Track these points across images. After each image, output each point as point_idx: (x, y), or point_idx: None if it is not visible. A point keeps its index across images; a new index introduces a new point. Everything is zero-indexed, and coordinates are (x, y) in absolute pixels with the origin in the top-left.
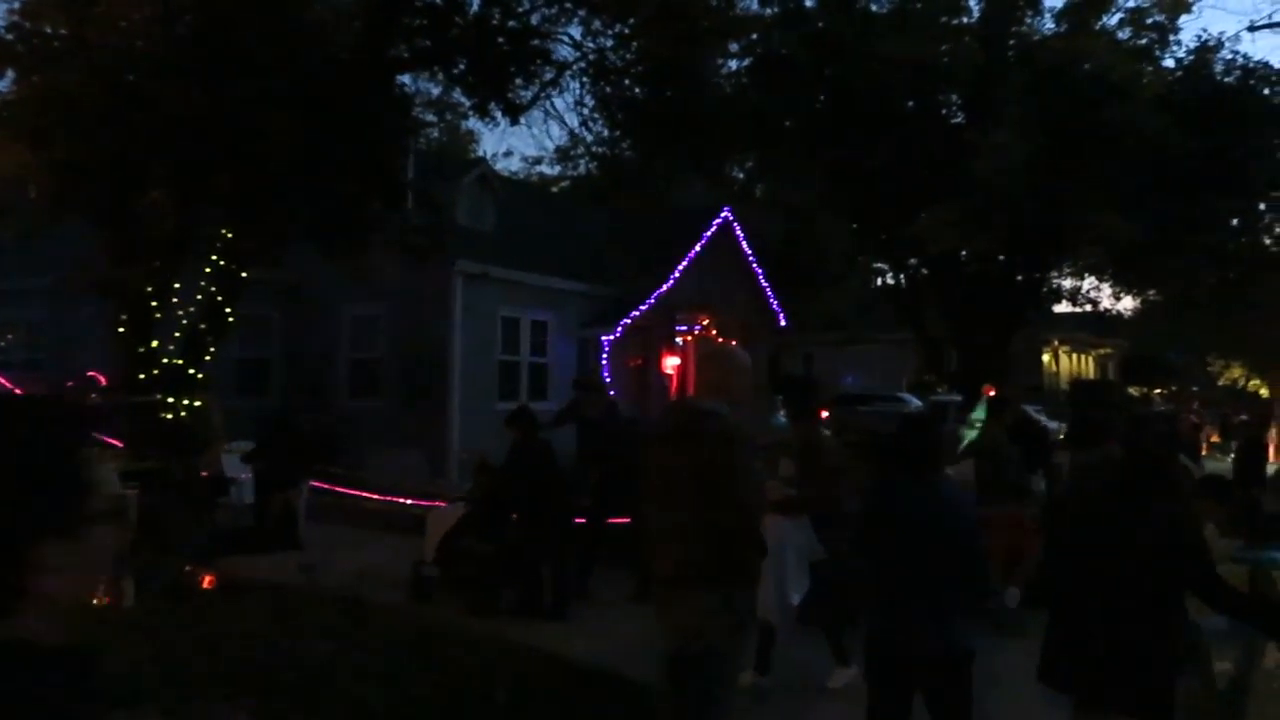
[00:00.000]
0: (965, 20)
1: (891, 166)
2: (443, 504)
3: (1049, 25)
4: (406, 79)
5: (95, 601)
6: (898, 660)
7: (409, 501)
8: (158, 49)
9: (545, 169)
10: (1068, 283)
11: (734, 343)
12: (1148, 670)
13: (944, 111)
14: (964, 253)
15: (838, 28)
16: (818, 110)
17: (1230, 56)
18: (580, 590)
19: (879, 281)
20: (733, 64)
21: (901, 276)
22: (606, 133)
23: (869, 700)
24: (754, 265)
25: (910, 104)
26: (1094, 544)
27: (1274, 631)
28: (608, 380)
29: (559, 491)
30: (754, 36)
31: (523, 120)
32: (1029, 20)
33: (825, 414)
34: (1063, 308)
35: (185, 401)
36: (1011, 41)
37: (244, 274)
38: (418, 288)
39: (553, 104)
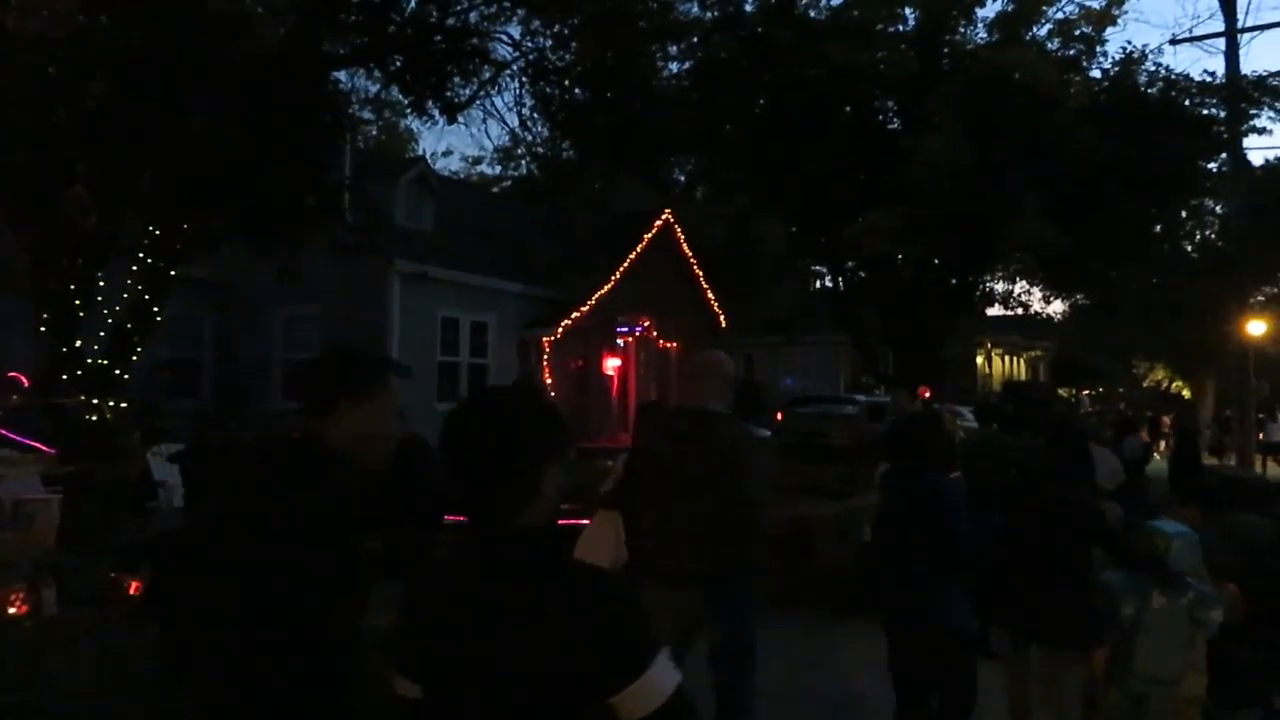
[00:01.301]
0: (901, 28)
1: (828, 171)
2: None
3: (981, 35)
4: (342, 76)
5: (13, 610)
6: (906, 635)
7: None
8: (80, 39)
9: (486, 169)
10: (1000, 286)
11: (674, 345)
12: (1070, 610)
13: (880, 117)
14: (900, 256)
15: (776, 33)
16: (756, 114)
17: (1153, 68)
18: None
19: (817, 284)
20: (673, 66)
21: (839, 279)
22: (546, 133)
23: (894, 685)
24: (694, 267)
25: (847, 109)
26: (1028, 520)
27: (1161, 578)
28: (549, 382)
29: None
30: (694, 39)
31: (461, 119)
32: (963, 29)
33: (780, 416)
34: (995, 310)
35: (110, 403)
36: (945, 50)
37: (172, 272)
38: (355, 287)
39: (492, 103)
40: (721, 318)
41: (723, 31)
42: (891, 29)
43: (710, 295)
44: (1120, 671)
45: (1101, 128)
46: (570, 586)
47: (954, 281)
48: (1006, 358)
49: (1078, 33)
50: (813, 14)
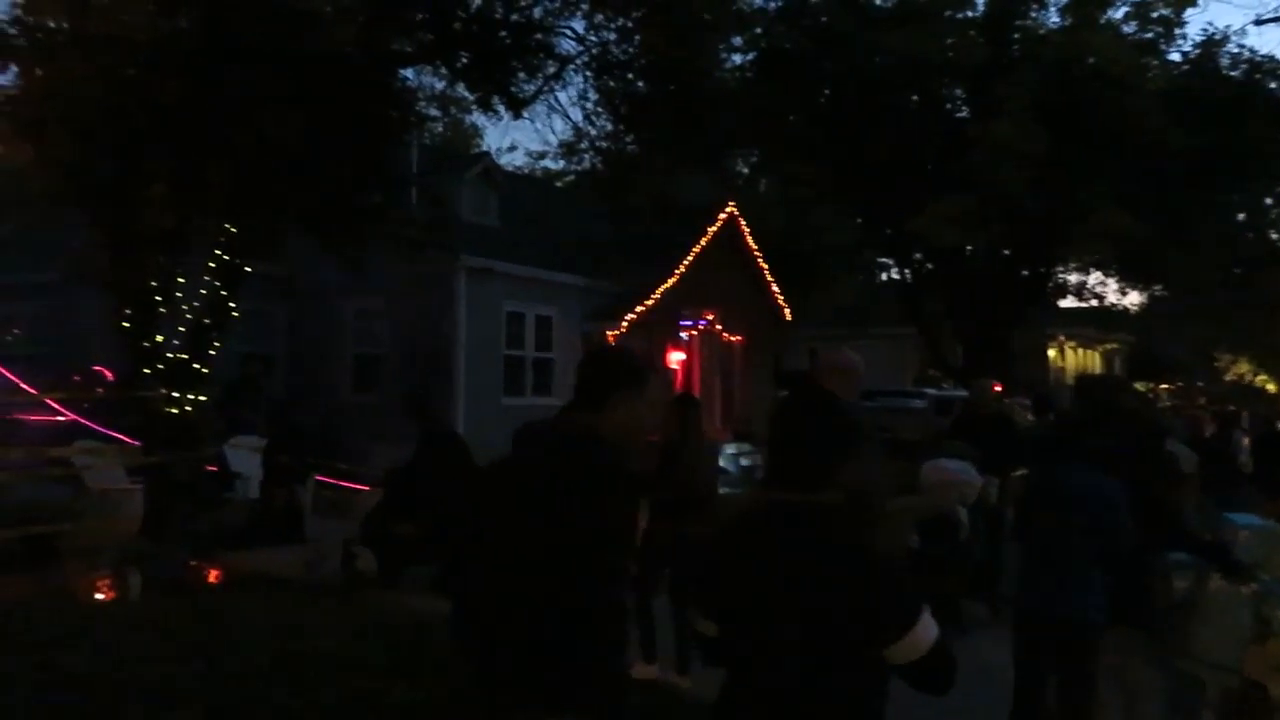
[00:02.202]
0: (969, 14)
1: (895, 161)
2: None
3: (1054, 19)
4: (409, 73)
5: (100, 595)
6: (1041, 626)
7: None
8: (157, 42)
9: (549, 163)
10: (1073, 278)
11: (738, 339)
12: (1134, 591)
13: (947, 106)
14: (968, 247)
15: (840, 22)
16: (821, 104)
17: (1236, 50)
18: None
19: (883, 276)
20: (736, 58)
21: (906, 271)
22: (610, 127)
23: (1016, 675)
24: (758, 260)
25: (914, 98)
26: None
27: (1222, 563)
28: None
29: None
30: (757, 30)
31: (526, 114)
32: (1034, 14)
33: None
34: (1069, 302)
35: (190, 396)
36: (1016, 35)
37: (246, 268)
38: (422, 282)
39: (556, 98)
40: (786, 310)
41: (786, 22)
42: (959, 15)
43: (774, 288)
44: (1176, 652)
45: (1181, 112)
46: (852, 556)
47: (1024, 273)
48: (1080, 351)
49: (1155, 15)
50: (879, 2)
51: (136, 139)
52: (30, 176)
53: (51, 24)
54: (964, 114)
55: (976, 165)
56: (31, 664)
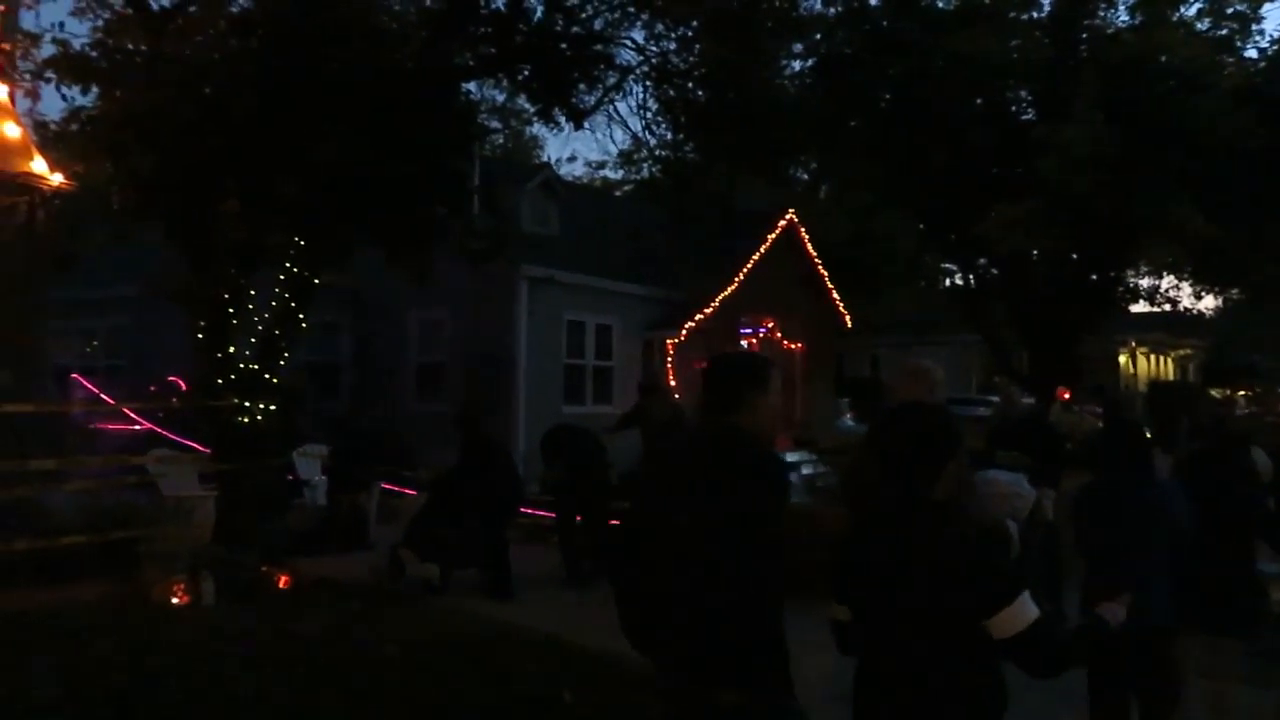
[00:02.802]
0: (1035, 15)
1: (958, 165)
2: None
3: (1123, 18)
4: (471, 86)
5: (176, 599)
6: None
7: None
8: (229, 62)
9: (609, 173)
10: (1145, 282)
11: (798, 346)
12: (1232, 598)
13: (1013, 109)
14: (1035, 252)
15: (902, 26)
16: (882, 109)
17: None
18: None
19: (947, 282)
20: (795, 64)
21: (970, 277)
22: (670, 136)
23: (1091, 696)
24: (818, 267)
25: (978, 101)
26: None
27: None
28: (672, 384)
29: (507, 482)
30: (817, 36)
31: (587, 125)
32: (1102, 13)
33: None
34: (1140, 307)
35: (260, 405)
36: (1084, 35)
37: (315, 280)
38: (483, 292)
39: (615, 108)
40: (847, 317)
41: (846, 27)
42: (1024, 17)
43: (835, 295)
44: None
45: (1258, 111)
46: (961, 542)
47: (1094, 277)
48: (1152, 357)
49: (1230, 11)
50: (940, 4)
51: (211, 156)
52: (110, 194)
53: (130, 46)
54: (1029, 116)
55: (1043, 168)
56: (114, 665)
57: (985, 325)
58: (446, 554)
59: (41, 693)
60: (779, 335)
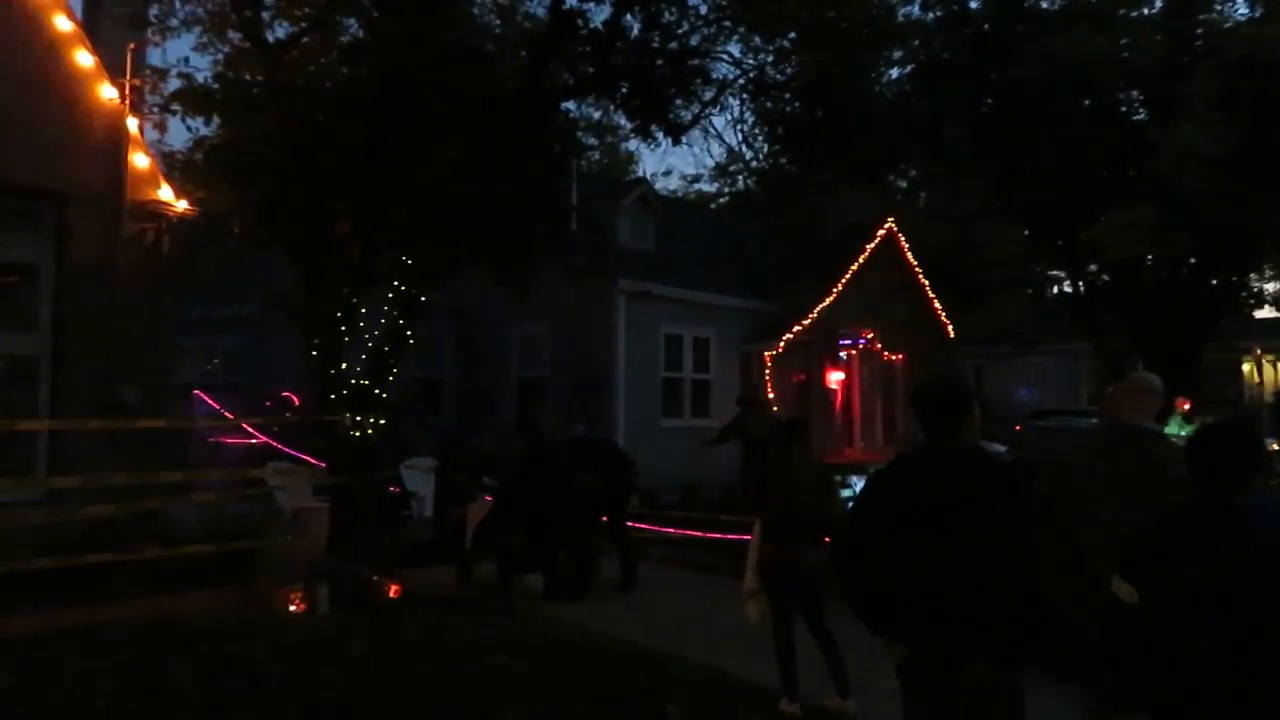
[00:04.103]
0: (1146, 12)
1: (1066, 169)
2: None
3: (1241, 11)
4: (569, 105)
5: (293, 607)
6: None
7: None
8: (340, 89)
9: (704, 186)
10: (1270, 286)
11: (899, 357)
12: None
13: (1123, 109)
14: (1149, 257)
15: (1005, 28)
16: (984, 114)
17: None
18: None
19: (1054, 290)
20: (893, 72)
21: (1079, 284)
22: (766, 148)
23: None
24: (919, 277)
25: (1085, 102)
26: None
27: None
28: (771, 397)
29: (566, 491)
30: (915, 43)
31: (685, 140)
32: (1218, 8)
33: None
34: (1266, 312)
35: (371, 420)
36: (1199, 31)
37: (422, 298)
38: (582, 307)
39: (711, 122)
40: (949, 327)
41: (946, 31)
42: (1134, 14)
43: (936, 305)
44: None
45: None
46: (1267, 542)
47: (1214, 281)
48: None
49: None
50: (1045, 4)
51: (324, 180)
52: (229, 218)
53: (248, 77)
54: (1141, 117)
55: (1158, 170)
56: (238, 670)
57: (1096, 334)
58: (512, 559)
59: (173, 694)
60: (879, 346)
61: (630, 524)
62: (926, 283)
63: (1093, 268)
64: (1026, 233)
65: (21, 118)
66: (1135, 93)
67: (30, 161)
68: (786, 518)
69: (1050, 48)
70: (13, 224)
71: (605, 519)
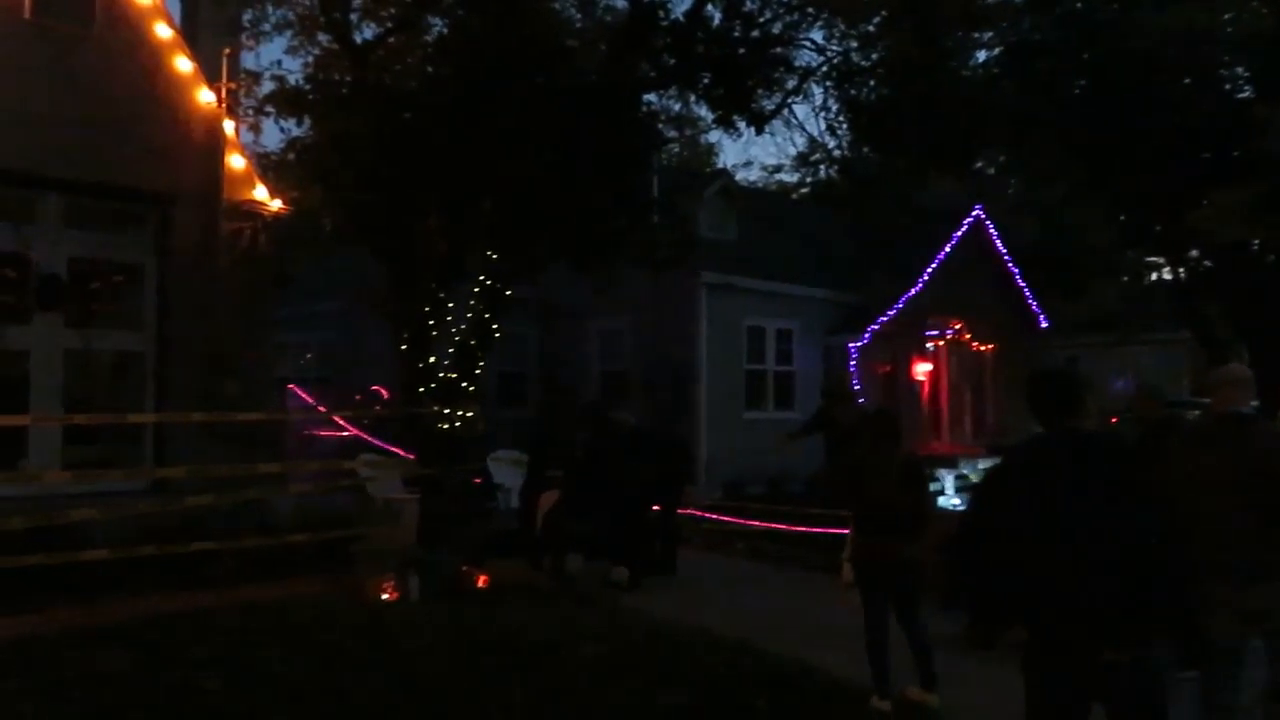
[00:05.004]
0: None
1: (1164, 151)
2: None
3: None
4: (651, 97)
5: (385, 596)
6: None
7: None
8: (426, 87)
9: (785, 176)
10: None
11: (989, 348)
12: None
13: (1227, 87)
14: (1255, 241)
15: (1099, 5)
16: (1077, 96)
17: None
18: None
19: (1153, 277)
20: (981, 55)
21: (1180, 270)
22: (851, 136)
23: None
24: (1010, 265)
25: (1186, 81)
26: None
27: None
28: (856, 388)
29: (616, 481)
30: (1004, 25)
31: (768, 130)
32: None
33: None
34: None
35: (458, 412)
36: None
37: (508, 291)
38: (664, 300)
39: (793, 111)
40: (1041, 317)
41: (1036, 12)
42: None
43: (1027, 293)
44: None
45: None
46: None
47: None
48: None
49: None
50: None
51: (411, 177)
52: (320, 216)
53: (337, 77)
54: (1246, 94)
55: (1265, 149)
56: (337, 657)
57: (1197, 322)
58: (577, 547)
59: (278, 680)
60: (968, 337)
61: (703, 515)
62: (1017, 271)
63: (1194, 253)
64: (1123, 217)
65: (127, 123)
66: (1240, 69)
67: (135, 165)
68: (878, 511)
69: (1148, 24)
70: (120, 225)
71: (658, 507)
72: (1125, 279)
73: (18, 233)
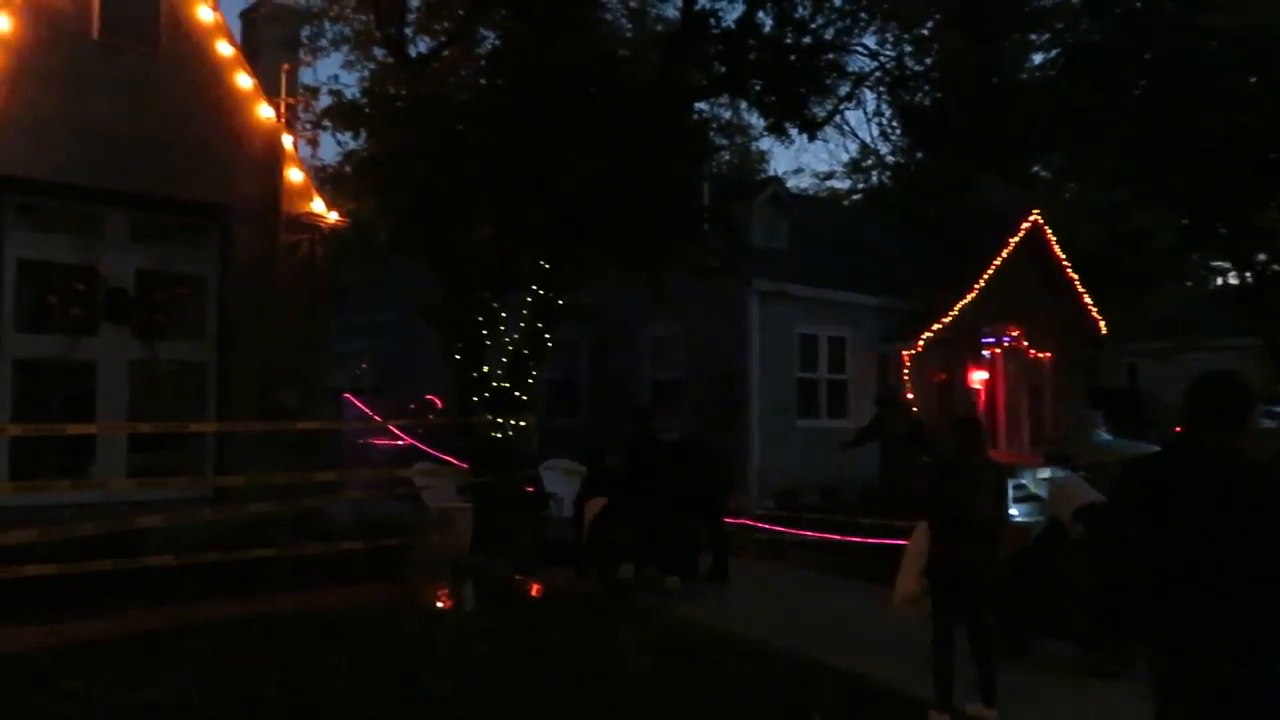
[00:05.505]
0: None
1: (1229, 152)
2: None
3: None
4: (702, 105)
5: (440, 604)
6: None
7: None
8: (479, 98)
9: (836, 183)
10: None
11: (1047, 355)
12: None
13: None
14: None
15: (1156, 5)
16: (1136, 97)
17: None
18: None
19: (1218, 281)
20: (1036, 58)
21: (1246, 274)
22: (904, 142)
23: None
24: (1067, 270)
25: (1252, 80)
26: None
27: None
28: (910, 397)
29: (651, 489)
30: (1059, 26)
31: (820, 136)
32: None
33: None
34: None
35: (511, 421)
36: None
37: (560, 300)
38: (716, 308)
39: (845, 117)
40: (1101, 323)
41: (1092, 13)
42: None
43: (1086, 299)
44: None
45: None
46: None
47: None
48: None
49: None
50: None
51: (465, 188)
52: (376, 227)
53: (392, 91)
54: None
55: None
56: (393, 664)
57: (1265, 328)
58: (619, 553)
59: (333, 686)
60: (1025, 344)
61: (755, 524)
62: (1076, 276)
63: (1261, 256)
64: (1185, 221)
65: (190, 139)
66: None
67: (198, 179)
68: (966, 519)
69: (1210, 23)
70: (183, 238)
71: (705, 517)
72: (1188, 284)
73: (87, 247)
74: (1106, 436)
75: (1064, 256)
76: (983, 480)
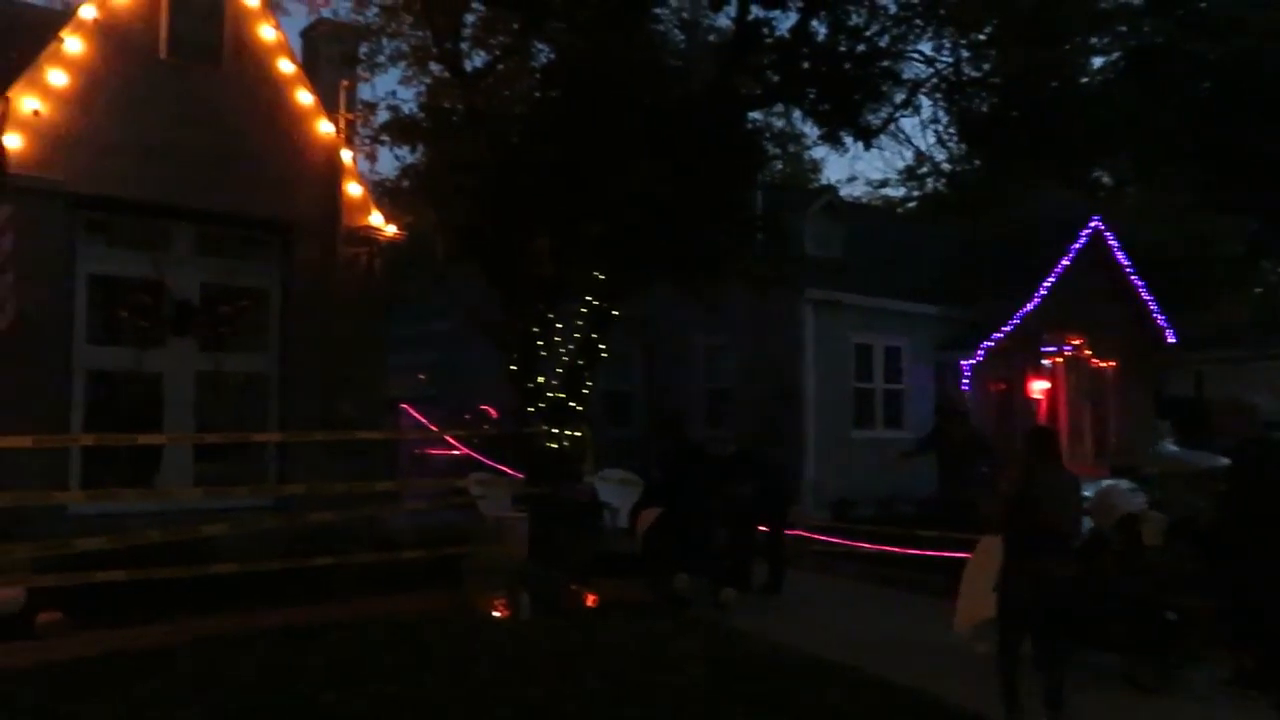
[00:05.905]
0: None
1: None
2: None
3: None
4: (756, 115)
5: (496, 613)
6: None
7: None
8: (535, 111)
9: (890, 191)
10: None
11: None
12: None
13: None
14: None
15: (1221, 5)
16: (1201, 99)
17: None
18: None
19: None
20: (1098, 60)
21: None
22: (961, 149)
23: None
24: (1132, 277)
25: None
26: None
27: None
28: (969, 407)
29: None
30: (1122, 29)
31: (876, 144)
32: None
33: None
34: None
35: (566, 431)
36: None
37: (614, 311)
38: (769, 317)
39: (899, 125)
40: (1167, 331)
41: (1156, 14)
42: None
43: (1153, 306)
44: None
45: None
46: None
47: None
48: None
49: None
50: None
51: (520, 200)
52: (432, 240)
53: (448, 105)
54: None
55: None
56: (453, 672)
57: None
58: (677, 565)
59: (391, 693)
60: (1087, 353)
61: (811, 536)
62: (1140, 284)
63: None
64: (1254, 225)
65: (253, 154)
66: None
67: (261, 194)
68: (1046, 532)
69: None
70: (247, 252)
71: (764, 529)
72: (1258, 290)
73: (154, 261)
74: (1173, 448)
75: (1128, 263)
76: (1065, 492)
